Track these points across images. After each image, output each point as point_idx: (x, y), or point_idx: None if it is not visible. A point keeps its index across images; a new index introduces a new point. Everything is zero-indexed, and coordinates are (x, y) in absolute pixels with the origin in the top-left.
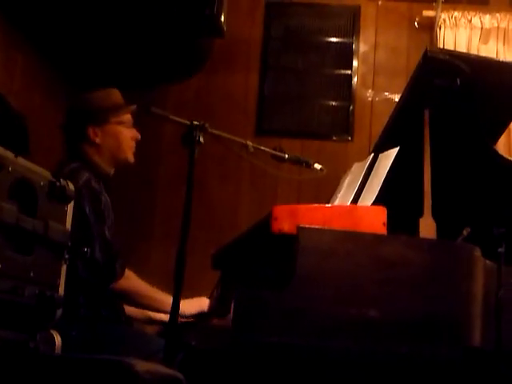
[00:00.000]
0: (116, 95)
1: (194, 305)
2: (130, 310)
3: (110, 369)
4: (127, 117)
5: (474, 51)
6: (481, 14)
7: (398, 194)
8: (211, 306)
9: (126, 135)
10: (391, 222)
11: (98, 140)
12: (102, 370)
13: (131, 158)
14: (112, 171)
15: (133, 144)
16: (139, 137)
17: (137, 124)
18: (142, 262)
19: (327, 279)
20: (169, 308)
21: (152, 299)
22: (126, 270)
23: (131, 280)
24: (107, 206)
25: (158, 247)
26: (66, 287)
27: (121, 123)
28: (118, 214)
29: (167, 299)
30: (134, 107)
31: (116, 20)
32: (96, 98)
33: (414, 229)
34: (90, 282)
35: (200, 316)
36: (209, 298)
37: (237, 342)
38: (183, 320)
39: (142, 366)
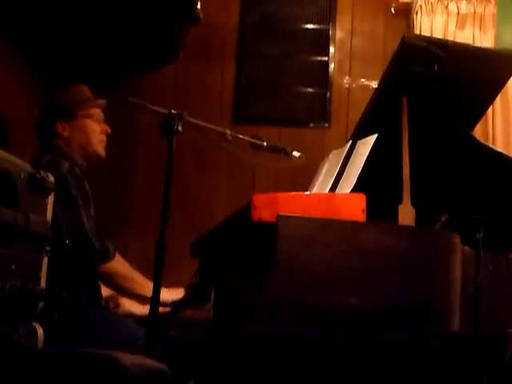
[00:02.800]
0: (84, 90)
1: (172, 293)
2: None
3: (96, 363)
4: (95, 111)
5: (450, 37)
6: (457, 0)
7: (376, 181)
8: (187, 294)
9: (94, 129)
10: (370, 210)
11: (66, 134)
12: (87, 364)
13: (101, 152)
14: (84, 165)
15: (102, 137)
16: (109, 130)
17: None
18: (120, 251)
19: (307, 267)
20: (150, 293)
21: (137, 283)
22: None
23: (120, 262)
24: (89, 192)
25: (135, 237)
26: (51, 269)
27: (89, 117)
28: (95, 203)
29: (149, 284)
30: (102, 102)
31: (89, 9)
32: (64, 94)
33: (393, 216)
34: (83, 264)
35: (177, 304)
36: (188, 286)
37: (217, 331)
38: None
39: (127, 359)
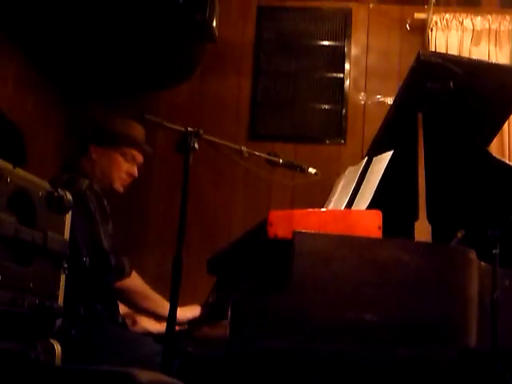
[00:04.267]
0: (137, 131)
1: (188, 311)
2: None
3: (114, 380)
4: (134, 153)
5: (465, 53)
6: (472, 16)
7: (392, 198)
8: (204, 312)
9: (121, 165)
10: (386, 226)
11: (94, 156)
12: (105, 381)
13: (119, 189)
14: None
15: (126, 178)
16: (136, 175)
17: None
18: (137, 269)
19: (323, 283)
20: (166, 312)
21: (152, 301)
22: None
23: (136, 280)
24: (108, 209)
25: (152, 254)
26: (69, 285)
27: (123, 154)
28: (112, 220)
29: (165, 303)
30: (149, 150)
31: (108, 27)
32: (119, 122)
33: (409, 232)
34: (100, 280)
35: (194, 322)
36: (204, 303)
37: (234, 347)
38: (177, 327)
39: (144, 376)
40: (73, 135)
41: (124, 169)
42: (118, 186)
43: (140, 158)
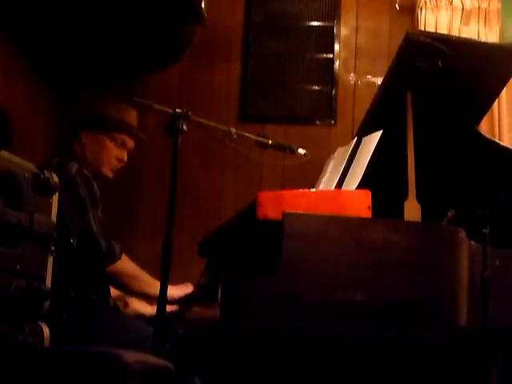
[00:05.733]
0: (131, 115)
1: (179, 289)
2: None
3: (99, 360)
4: (124, 138)
5: (455, 33)
6: None
7: (382, 178)
8: (196, 291)
9: (110, 151)
10: (376, 206)
11: (84, 141)
12: (91, 362)
13: (108, 174)
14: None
15: (115, 163)
16: (125, 160)
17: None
18: (127, 252)
19: (313, 264)
20: (157, 291)
21: (144, 282)
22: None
23: (126, 262)
24: (98, 193)
25: (142, 237)
26: (59, 269)
27: (112, 139)
28: (102, 204)
29: (157, 283)
30: (141, 136)
31: (95, 10)
32: (112, 107)
33: (399, 212)
34: (90, 264)
35: (185, 300)
36: (196, 285)
37: (225, 328)
38: (168, 305)
39: (130, 356)
40: (62, 121)
41: (113, 154)
42: (107, 171)
43: (131, 143)
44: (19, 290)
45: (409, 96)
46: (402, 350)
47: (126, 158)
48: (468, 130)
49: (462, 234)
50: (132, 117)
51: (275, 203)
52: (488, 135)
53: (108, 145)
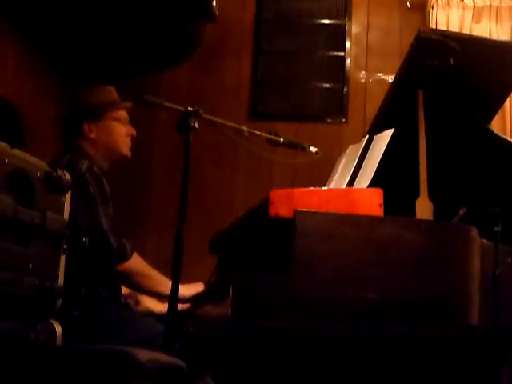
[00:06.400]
0: (111, 92)
1: (191, 287)
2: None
3: (112, 359)
4: (122, 113)
5: (466, 30)
6: None
7: (393, 176)
8: (207, 290)
9: (120, 131)
10: (387, 204)
11: (92, 135)
12: (103, 361)
13: (127, 153)
14: (107, 166)
15: (128, 140)
16: (134, 133)
17: (130, 112)
18: (138, 250)
19: (325, 262)
20: (168, 290)
21: (155, 280)
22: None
23: (137, 260)
24: (109, 191)
25: (153, 235)
26: (70, 267)
27: (115, 119)
28: (112, 202)
29: (168, 281)
30: (129, 104)
31: (106, 6)
32: (91, 94)
33: (411, 210)
34: (101, 262)
35: (196, 299)
36: (206, 283)
37: (236, 327)
38: (180, 304)
39: (143, 355)
40: None
41: (123, 132)
42: (126, 151)
43: (127, 115)
44: (32, 288)
45: (420, 94)
46: (414, 347)
47: (134, 131)
48: (479, 127)
49: (474, 232)
50: (113, 91)
51: (287, 201)
52: (499, 133)
53: (115, 126)
